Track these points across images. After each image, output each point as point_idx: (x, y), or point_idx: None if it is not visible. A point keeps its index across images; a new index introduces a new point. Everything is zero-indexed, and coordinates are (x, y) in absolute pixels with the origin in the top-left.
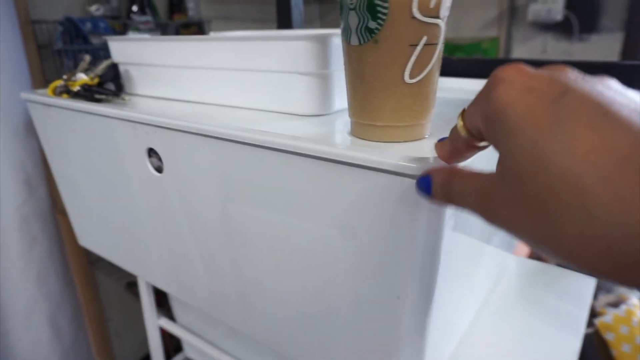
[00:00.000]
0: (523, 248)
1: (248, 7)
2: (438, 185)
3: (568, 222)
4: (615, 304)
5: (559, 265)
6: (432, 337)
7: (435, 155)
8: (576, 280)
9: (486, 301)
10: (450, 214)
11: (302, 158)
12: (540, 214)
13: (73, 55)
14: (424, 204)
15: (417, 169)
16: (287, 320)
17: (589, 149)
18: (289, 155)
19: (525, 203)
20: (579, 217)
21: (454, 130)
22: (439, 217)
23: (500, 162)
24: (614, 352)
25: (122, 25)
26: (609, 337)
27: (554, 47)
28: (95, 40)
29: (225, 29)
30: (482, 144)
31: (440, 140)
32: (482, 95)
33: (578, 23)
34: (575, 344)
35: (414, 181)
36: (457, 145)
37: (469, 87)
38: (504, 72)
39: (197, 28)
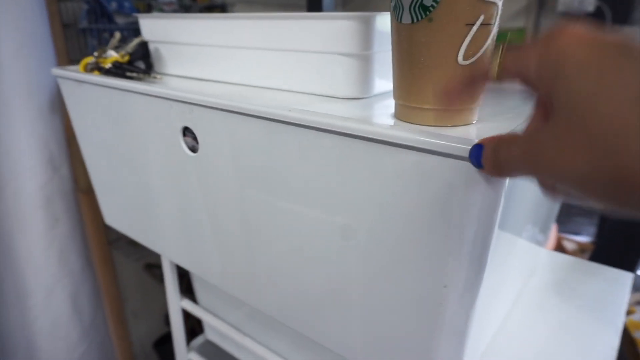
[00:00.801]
0: (553, 237)
1: None
2: (488, 155)
3: (632, 140)
4: None
5: (605, 207)
6: (473, 327)
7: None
8: (610, 275)
9: (520, 295)
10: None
11: (352, 140)
12: (600, 140)
13: (97, 34)
14: (479, 190)
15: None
16: (307, 301)
17: None
18: (338, 137)
19: (585, 134)
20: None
21: (478, 67)
22: (493, 204)
23: (554, 101)
24: None
25: (146, 6)
26: (638, 335)
27: None
28: (119, 20)
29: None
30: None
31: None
32: (540, 43)
33: (611, 14)
34: (613, 341)
35: (467, 164)
36: (475, 80)
37: None
38: (565, 27)
39: (220, 10)
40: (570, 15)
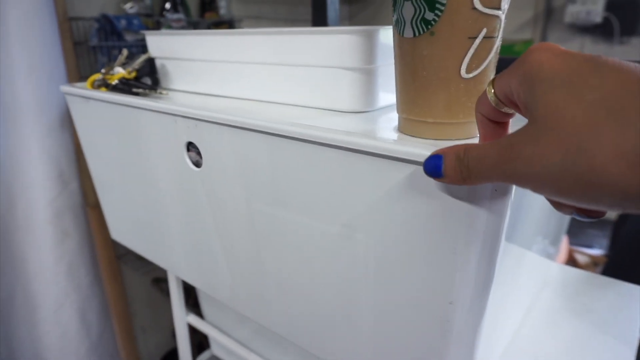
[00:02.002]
0: (564, 249)
1: (279, 7)
2: (452, 163)
3: (598, 140)
4: None
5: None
6: (481, 344)
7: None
8: (624, 290)
9: (530, 309)
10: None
11: (356, 154)
12: (572, 141)
13: (107, 52)
14: (484, 204)
15: None
16: (316, 319)
17: (616, 83)
18: (342, 152)
19: (557, 136)
20: (614, 133)
21: (481, 99)
22: (499, 217)
23: (530, 110)
24: None
25: (155, 23)
26: None
27: (592, 50)
28: (129, 37)
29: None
30: (507, 110)
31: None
32: (517, 62)
33: (619, 25)
34: (628, 357)
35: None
36: (484, 113)
37: None
38: (539, 44)
39: (228, 27)
40: (579, 27)
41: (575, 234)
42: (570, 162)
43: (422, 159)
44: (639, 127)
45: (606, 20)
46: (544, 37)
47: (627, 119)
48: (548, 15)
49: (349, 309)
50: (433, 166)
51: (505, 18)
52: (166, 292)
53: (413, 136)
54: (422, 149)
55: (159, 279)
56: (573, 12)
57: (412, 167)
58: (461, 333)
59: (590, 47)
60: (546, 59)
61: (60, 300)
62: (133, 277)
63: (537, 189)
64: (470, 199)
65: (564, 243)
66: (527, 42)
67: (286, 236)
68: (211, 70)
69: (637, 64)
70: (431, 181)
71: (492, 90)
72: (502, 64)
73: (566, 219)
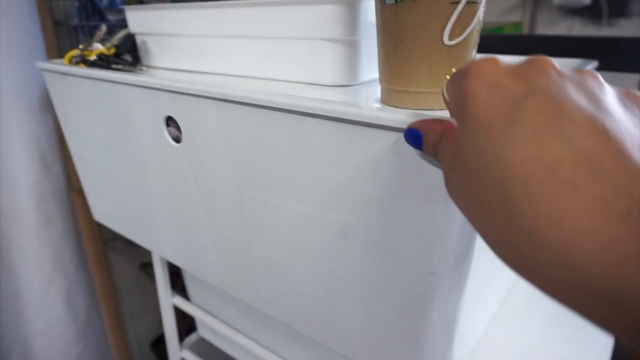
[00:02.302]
0: None
1: None
2: (428, 143)
3: (494, 223)
4: None
5: None
6: (463, 318)
7: None
8: None
9: (511, 291)
10: None
11: (338, 123)
12: (477, 208)
13: (89, 32)
14: None
15: None
16: (303, 298)
17: (523, 157)
18: (323, 121)
19: (469, 194)
20: (502, 221)
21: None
22: None
23: (457, 150)
24: None
25: (138, 2)
26: None
27: (580, 32)
28: (111, 17)
29: None
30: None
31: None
32: (456, 79)
33: (607, 7)
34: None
35: None
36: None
37: None
38: (478, 66)
39: None
40: (567, 9)
41: None
42: (477, 224)
43: (404, 126)
44: (522, 222)
45: (595, 2)
46: (533, 20)
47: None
48: None
49: (334, 283)
50: (413, 139)
51: None
52: (154, 277)
53: (395, 106)
54: (403, 116)
55: (147, 264)
56: None
57: (394, 135)
58: (442, 305)
59: (578, 29)
60: (476, 95)
61: (45, 285)
62: (120, 263)
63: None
64: None
65: None
66: (517, 25)
67: (269, 210)
68: (192, 46)
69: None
70: (412, 149)
71: (445, 89)
72: (490, 41)
73: None
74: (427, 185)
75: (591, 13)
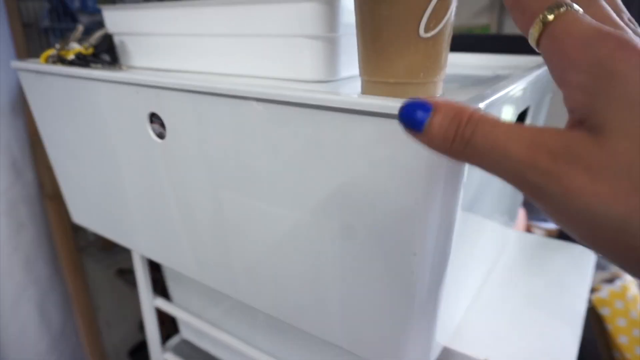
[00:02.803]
0: (521, 223)
1: None
2: (444, 122)
3: None
4: (610, 280)
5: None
6: (444, 300)
7: None
8: (577, 253)
9: (490, 273)
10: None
11: (319, 111)
12: None
13: (60, 34)
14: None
15: None
16: (285, 285)
17: None
18: (304, 110)
19: (634, 181)
20: None
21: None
22: (459, 166)
23: (599, 122)
24: (609, 327)
25: (111, 3)
26: (604, 312)
27: None
28: (83, 19)
29: None
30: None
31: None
32: (593, 43)
33: None
34: (580, 308)
35: None
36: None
37: (469, 62)
38: (631, 45)
39: None
40: None
41: (533, 209)
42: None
43: (384, 110)
44: None
45: None
46: (500, 22)
47: None
48: (503, 1)
49: (316, 270)
50: (413, 116)
51: None
52: (132, 283)
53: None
54: (386, 101)
55: (124, 270)
56: None
57: (375, 120)
58: (425, 287)
59: None
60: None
61: (17, 294)
62: (96, 270)
63: (565, 227)
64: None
65: (521, 217)
66: (485, 27)
67: (249, 201)
68: (171, 45)
69: None
70: (395, 135)
71: (536, 35)
72: (461, 41)
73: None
74: (410, 169)
75: None
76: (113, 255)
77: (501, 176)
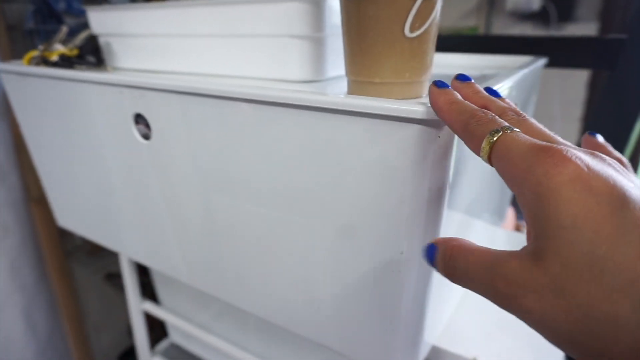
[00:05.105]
0: (510, 222)
1: None
2: (440, 257)
3: (622, 330)
4: None
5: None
6: (432, 298)
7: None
8: None
9: None
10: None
11: (305, 111)
12: (587, 315)
13: (45, 37)
14: (430, 151)
15: (421, 113)
16: (275, 288)
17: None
18: (290, 110)
19: (569, 299)
20: (635, 331)
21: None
22: (444, 165)
23: (538, 247)
24: None
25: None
26: None
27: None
28: (69, 21)
29: None
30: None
31: (440, 86)
32: (531, 158)
33: (556, 12)
34: None
35: (418, 128)
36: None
37: (456, 62)
38: (562, 157)
39: None
40: (519, 14)
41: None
42: (577, 332)
43: (370, 110)
44: None
45: (543, 7)
46: (488, 24)
47: None
48: (491, 3)
49: (305, 269)
50: (427, 255)
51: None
52: (120, 288)
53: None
54: (372, 101)
55: (112, 274)
56: (513, 0)
57: (361, 121)
58: (413, 286)
59: (530, 32)
60: (568, 195)
61: (2, 300)
62: (83, 275)
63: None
64: (416, 149)
65: (511, 217)
66: (473, 29)
67: (238, 202)
68: (156, 46)
69: None
70: (382, 135)
71: (487, 150)
72: (450, 42)
73: (508, 191)
74: (397, 168)
75: (541, 18)
76: (101, 260)
77: (479, 293)
